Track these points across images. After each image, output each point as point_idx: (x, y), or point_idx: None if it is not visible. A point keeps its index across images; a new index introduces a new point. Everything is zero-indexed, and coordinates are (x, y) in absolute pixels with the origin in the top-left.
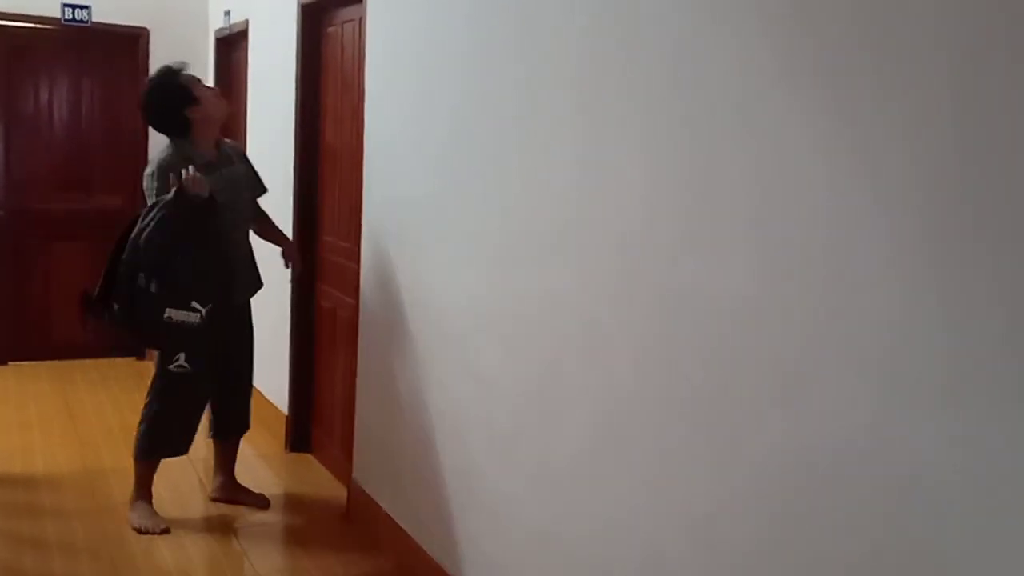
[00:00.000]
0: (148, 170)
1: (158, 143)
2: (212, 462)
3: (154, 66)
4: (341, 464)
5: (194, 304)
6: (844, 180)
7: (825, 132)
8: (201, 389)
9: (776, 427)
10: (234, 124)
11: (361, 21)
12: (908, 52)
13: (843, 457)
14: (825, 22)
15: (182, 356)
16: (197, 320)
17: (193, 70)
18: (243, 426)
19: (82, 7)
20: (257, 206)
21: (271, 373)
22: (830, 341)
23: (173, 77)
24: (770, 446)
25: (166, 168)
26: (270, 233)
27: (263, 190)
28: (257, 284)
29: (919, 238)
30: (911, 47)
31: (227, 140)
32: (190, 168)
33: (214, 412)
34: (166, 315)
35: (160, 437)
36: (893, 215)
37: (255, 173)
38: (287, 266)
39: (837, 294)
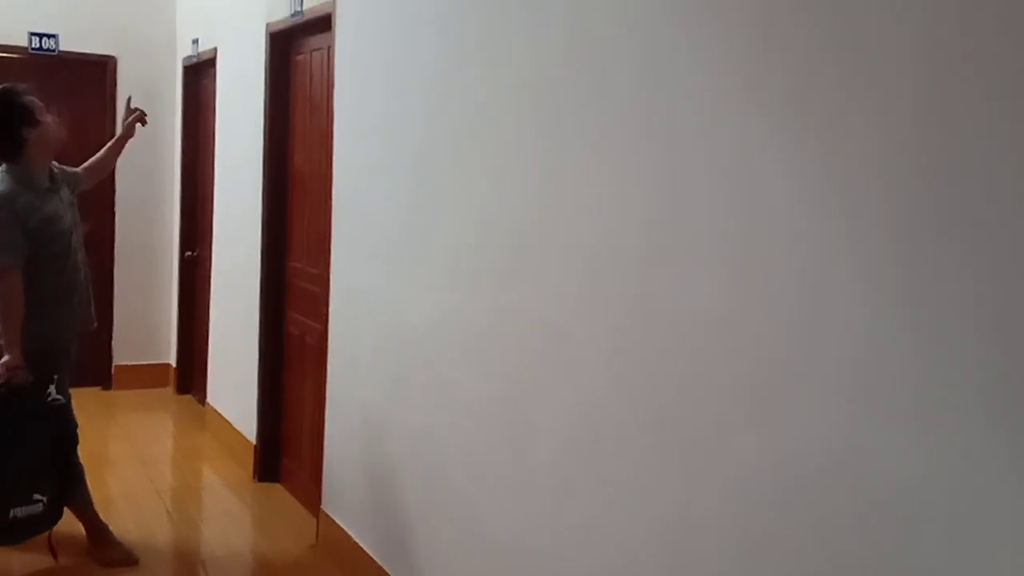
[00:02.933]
0: None
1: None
2: (173, 494)
3: (122, 94)
4: (310, 493)
5: (36, 496)
6: (812, 193)
7: (792, 145)
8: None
9: (748, 440)
10: (202, 151)
11: (330, 49)
12: (873, 64)
13: (815, 470)
14: (791, 36)
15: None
16: (40, 509)
17: (162, 98)
18: None
19: (49, 36)
20: (78, 173)
21: (239, 401)
22: (801, 354)
23: (14, 97)
24: (742, 459)
25: (15, 196)
26: (108, 155)
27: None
28: (89, 323)
29: (888, 252)
30: (876, 59)
31: (55, 164)
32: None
33: None
34: (11, 515)
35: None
36: (861, 229)
37: (72, 189)
38: (134, 117)
39: (807, 307)
